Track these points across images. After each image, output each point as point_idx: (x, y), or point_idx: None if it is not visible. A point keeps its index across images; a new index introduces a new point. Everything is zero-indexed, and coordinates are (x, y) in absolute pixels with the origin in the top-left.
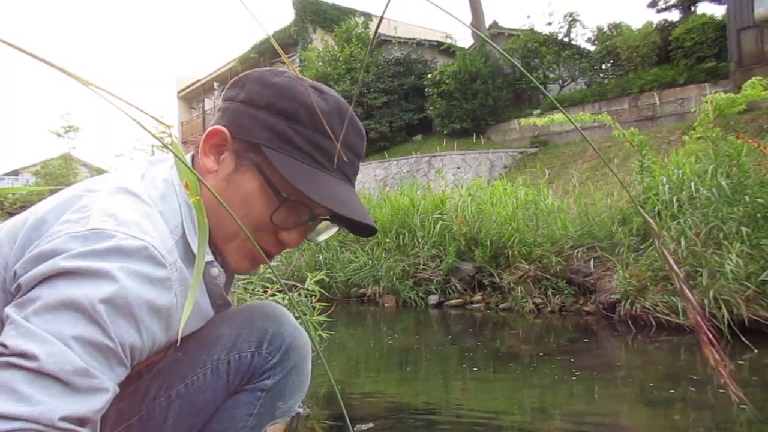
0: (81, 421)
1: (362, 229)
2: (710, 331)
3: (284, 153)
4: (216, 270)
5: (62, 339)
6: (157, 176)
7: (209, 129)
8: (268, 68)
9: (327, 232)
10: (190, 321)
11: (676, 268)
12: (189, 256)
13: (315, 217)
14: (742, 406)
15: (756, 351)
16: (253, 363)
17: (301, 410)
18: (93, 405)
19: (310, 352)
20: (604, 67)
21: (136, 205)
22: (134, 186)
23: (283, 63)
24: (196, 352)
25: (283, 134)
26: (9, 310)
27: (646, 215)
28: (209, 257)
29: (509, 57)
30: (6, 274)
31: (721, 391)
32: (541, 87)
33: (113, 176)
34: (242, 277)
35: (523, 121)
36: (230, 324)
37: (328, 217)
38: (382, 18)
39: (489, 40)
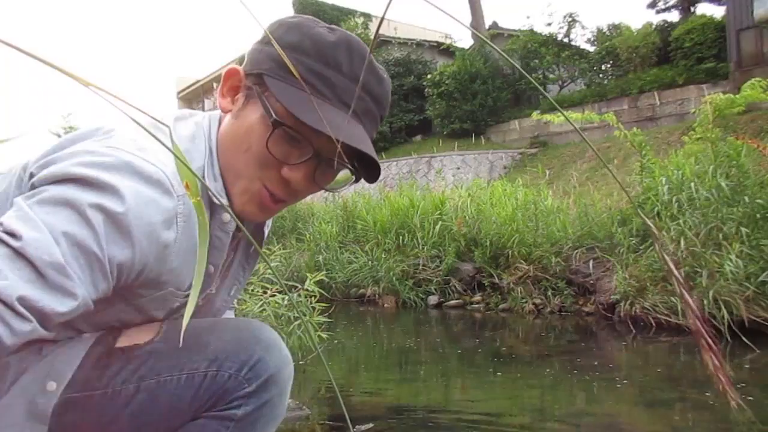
0: (41, 316)
1: (368, 167)
2: (710, 336)
3: (284, 81)
4: (227, 216)
5: (52, 231)
6: (190, 119)
7: (225, 70)
8: (294, 14)
9: (335, 178)
10: (188, 258)
11: (676, 271)
12: (203, 200)
13: (316, 152)
14: (739, 409)
15: (756, 351)
16: (227, 385)
17: None
18: (56, 305)
19: (290, 385)
20: (603, 67)
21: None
22: (166, 122)
23: None
24: (179, 352)
25: (285, 63)
26: (17, 198)
27: (646, 219)
28: (223, 200)
29: (508, 58)
30: (24, 175)
31: (720, 393)
32: (541, 88)
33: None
34: None
35: (534, 115)
36: (220, 335)
37: (332, 158)
38: (382, 19)
39: (488, 42)
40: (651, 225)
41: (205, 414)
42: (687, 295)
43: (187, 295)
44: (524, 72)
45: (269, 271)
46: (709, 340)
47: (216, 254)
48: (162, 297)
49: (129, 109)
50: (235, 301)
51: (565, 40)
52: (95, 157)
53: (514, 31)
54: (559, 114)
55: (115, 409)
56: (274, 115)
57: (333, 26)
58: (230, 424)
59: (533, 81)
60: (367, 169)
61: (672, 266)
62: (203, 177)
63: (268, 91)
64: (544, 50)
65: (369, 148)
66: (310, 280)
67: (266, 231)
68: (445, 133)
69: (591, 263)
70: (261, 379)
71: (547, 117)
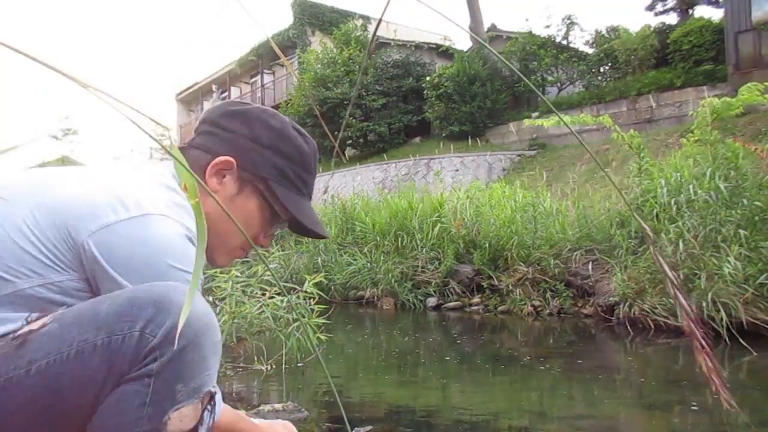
0: None
1: (318, 237)
2: (704, 338)
3: (283, 186)
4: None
5: None
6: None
7: (220, 158)
8: (262, 108)
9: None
10: None
11: (670, 273)
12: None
13: (286, 226)
14: (733, 411)
15: (754, 353)
16: (125, 347)
17: (215, 389)
18: None
19: (210, 323)
20: (602, 69)
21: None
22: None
23: (282, 65)
24: (69, 327)
25: (283, 171)
26: None
27: (641, 221)
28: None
29: (506, 61)
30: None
31: (716, 395)
32: (538, 91)
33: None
34: (240, 280)
35: (527, 121)
36: (113, 300)
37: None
38: (380, 20)
39: (487, 45)
40: (646, 227)
41: (121, 381)
42: (681, 297)
43: None
44: (522, 75)
45: (268, 273)
46: (703, 342)
47: None
48: None
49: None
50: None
51: (564, 42)
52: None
53: (513, 33)
54: (553, 118)
55: (10, 399)
56: (280, 213)
57: (301, 130)
58: (149, 381)
59: (531, 84)
60: (307, 234)
61: (666, 268)
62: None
63: (270, 191)
64: (542, 52)
65: (326, 232)
66: (309, 282)
67: None
68: (443, 134)
69: (590, 265)
70: (164, 327)
71: (541, 122)
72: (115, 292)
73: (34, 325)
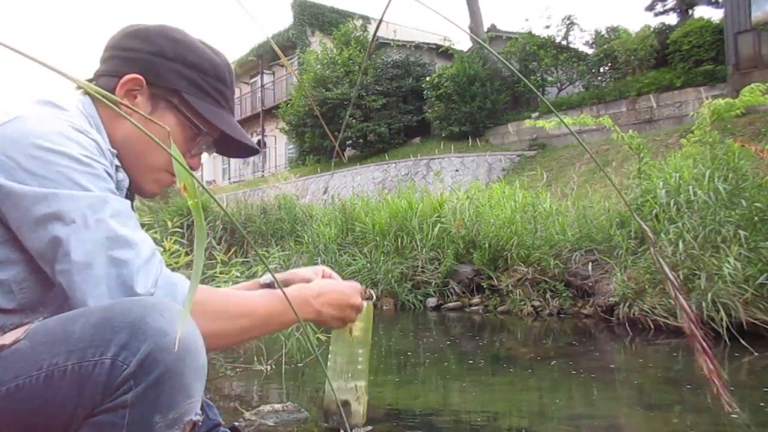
0: None
1: (249, 150)
2: (704, 339)
3: (199, 98)
4: (122, 174)
5: None
6: (69, 107)
7: (127, 77)
8: (162, 24)
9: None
10: None
11: (670, 274)
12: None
13: (212, 144)
14: (734, 414)
15: (754, 354)
16: (102, 375)
17: (198, 417)
18: None
19: (192, 346)
20: (601, 70)
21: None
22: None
23: (282, 65)
24: (40, 347)
25: (196, 83)
26: None
27: (641, 222)
28: (118, 162)
29: (505, 62)
30: None
31: (717, 397)
32: (538, 92)
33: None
34: (240, 280)
35: (527, 122)
36: (87, 320)
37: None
38: (380, 21)
39: (486, 45)
40: (645, 228)
41: (96, 411)
42: (681, 298)
43: None
44: (521, 76)
45: (267, 273)
46: (703, 343)
47: None
48: None
49: (126, 111)
50: None
51: (564, 42)
52: None
53: (513, 33)
54: (553, 120)
55: None
56: (201, 126)
57: (210, 44)
58: (124, 412)
59: (530, 85)
60: (246, 150)
61: (666, 269)
62: (103, 150)
63: (186, 104)
64: (542, 53)
65: (253, 143)
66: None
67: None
68: (443, 135)
69: (590, 265)
70: (139, 355)
71: (540, 123)
72: (89, 308)
73: (7, 339)
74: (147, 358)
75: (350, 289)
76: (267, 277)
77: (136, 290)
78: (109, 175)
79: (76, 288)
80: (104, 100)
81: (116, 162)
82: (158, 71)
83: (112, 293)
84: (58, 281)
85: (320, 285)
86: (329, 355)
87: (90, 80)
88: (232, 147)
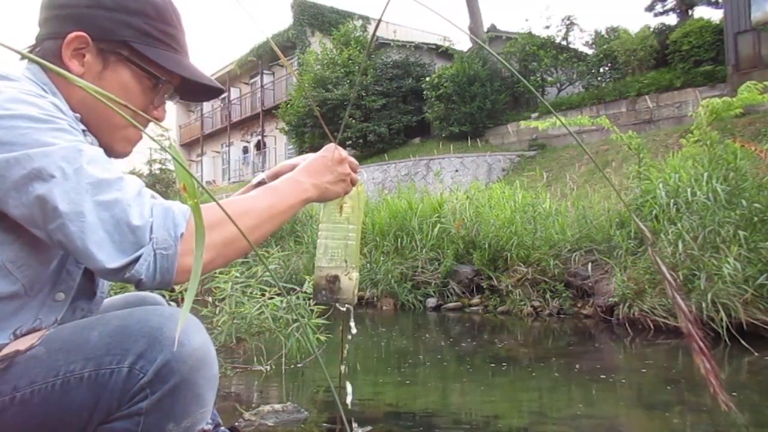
0: None
1: (212, 91)
2: (702, 340)
3: (149, 45)
4: (90, 138)
5: None
6: (18, 76)
7: (70, 36)
8: None
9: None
10: None
11: (668, 274)
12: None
13: (174, 91)
14: (734, 414)
15: (754, 354)
16: (119, 383)
17: (208, 426)
18: None
19: (206, 357)
20: (601, 70)
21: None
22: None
23: (282, 66)
24: (56, 354)
25: (143, 29)
26: None
27: (639, 223)
28: (83, 126)
29: (505, 62)
30: None
31: (712, 396)
32: (537, 93)
33: None
34: (240, 280)
35: (523, 123)
36: (104, 329)
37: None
38: (380, 21)
39: (486, 46)
40: (644, 228)
41: (111, 418)
42: (679, 298)
43: None
44: (521, 77)
45: (267, 273)
46: (701, 344)
47: None
48: None
49: (127, 112)
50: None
51: (564, 42)
52: None
53: (513, 33)
54: (551, 121)
55: None
56: (158, 75)
57: None
58: (139, 419)
59: (529, 86)
60: (200, 93)
61: (663, 268)
62: (62, 111)
63: (137, 54)
64: (542, 53)
65: (217, 84)
66: (309, 282)
67: None
68: (443, 135)
69: (589, 266)
70: (156, 364)
71: (536, 124)
72: (106, 316)
73: (21, 345)
74: (164, 368)
75: (326, 151)
76: (258, 177)
77: (133, 223)
78: (74, 128)
79: (75, 237)
80: (52, 67)
81: (81, 126)
82: (101, 24)
83: (112, 236)
84: (56, 240)
85: (301, 163)
86: (318, 232)
87: (34, 46)
88: (194, 91)
